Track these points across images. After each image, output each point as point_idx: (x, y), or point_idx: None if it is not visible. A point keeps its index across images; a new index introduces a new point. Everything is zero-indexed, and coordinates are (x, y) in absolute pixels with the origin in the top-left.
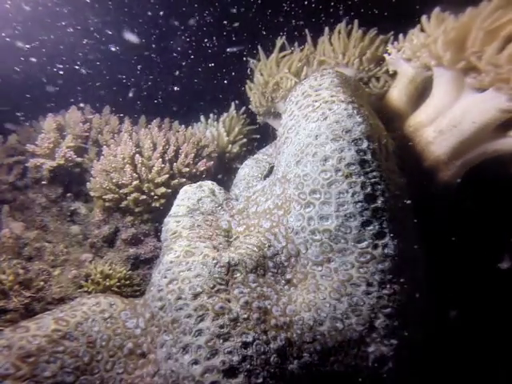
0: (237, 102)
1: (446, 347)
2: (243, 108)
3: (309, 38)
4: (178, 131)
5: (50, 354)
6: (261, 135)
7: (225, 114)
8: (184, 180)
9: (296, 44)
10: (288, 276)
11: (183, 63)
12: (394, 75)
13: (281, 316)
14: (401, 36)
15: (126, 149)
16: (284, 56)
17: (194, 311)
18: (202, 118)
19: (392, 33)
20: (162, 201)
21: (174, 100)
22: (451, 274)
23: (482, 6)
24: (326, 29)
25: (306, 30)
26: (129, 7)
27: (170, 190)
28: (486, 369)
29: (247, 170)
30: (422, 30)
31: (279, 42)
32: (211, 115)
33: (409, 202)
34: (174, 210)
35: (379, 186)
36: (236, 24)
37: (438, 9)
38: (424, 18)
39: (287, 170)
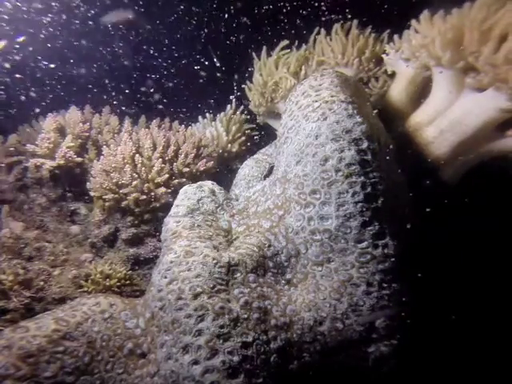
0: (236, 101)
1: (444, 347)
2: (241, 107)
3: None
4: (178, 131)
5: (50, 354)
6: (261, 135)
7: (222, 113)
8: (184, 180)
9: (296, 44)
10: (288, 276)
11: (183, 63)
12: (393, 75)
13: (281, 316)
14: (396, 36)
15: (126, 149)
16: (283, 55)
17: (194, 311)
18: (200, 118)
19: (388, 31)
20: (163, 201)
21: (174, 100)
22: (451, 273)
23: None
24: (322, 29)
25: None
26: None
27: (170, 190)
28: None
29: (247, 170)
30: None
31: (282, 42)
32: (207, 115)
33: (409, 202)
34: (174, 210)
35: (379, 186)
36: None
37: (426, 11)
38: (414, 21)
39: (287, 169)
